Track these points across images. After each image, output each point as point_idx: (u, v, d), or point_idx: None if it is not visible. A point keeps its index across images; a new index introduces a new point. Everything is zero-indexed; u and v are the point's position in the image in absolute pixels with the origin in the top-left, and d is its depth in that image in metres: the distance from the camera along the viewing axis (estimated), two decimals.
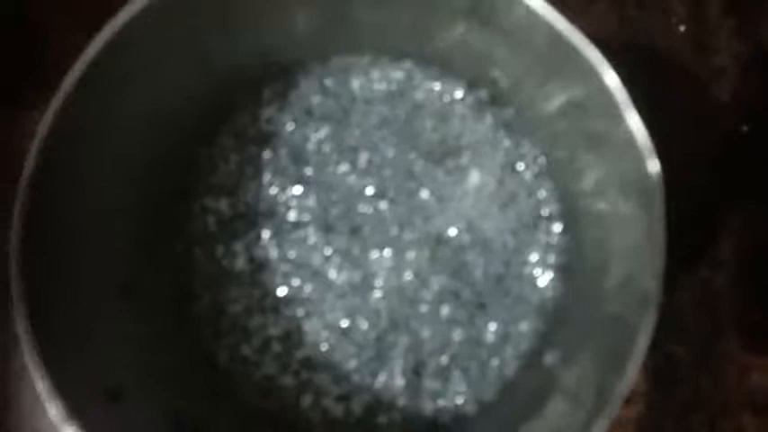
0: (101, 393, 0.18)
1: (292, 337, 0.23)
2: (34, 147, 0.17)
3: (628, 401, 0.26)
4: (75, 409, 0.16)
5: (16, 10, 0.29)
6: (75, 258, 0.19)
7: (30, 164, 0.17)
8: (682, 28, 0.29)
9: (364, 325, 0.23)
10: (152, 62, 0.19)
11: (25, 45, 0.29)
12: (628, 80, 0.28)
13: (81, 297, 0.19)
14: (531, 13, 0.17)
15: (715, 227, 0.28)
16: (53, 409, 0.16)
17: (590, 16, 0.28)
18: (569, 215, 0.23)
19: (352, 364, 0.23)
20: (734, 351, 0.27)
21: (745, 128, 0.28)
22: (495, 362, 0.23)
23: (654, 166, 0.16)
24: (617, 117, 0.16)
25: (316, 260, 0.24)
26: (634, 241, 0.17)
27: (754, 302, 0.27)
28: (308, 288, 0.24)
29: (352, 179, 0.24)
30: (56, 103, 0.17)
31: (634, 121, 0.16)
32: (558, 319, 0.23)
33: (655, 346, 0.26)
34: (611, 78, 0.16)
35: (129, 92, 0.19)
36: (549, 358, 0.21)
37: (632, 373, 0.15)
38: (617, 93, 0.16)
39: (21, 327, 0.16)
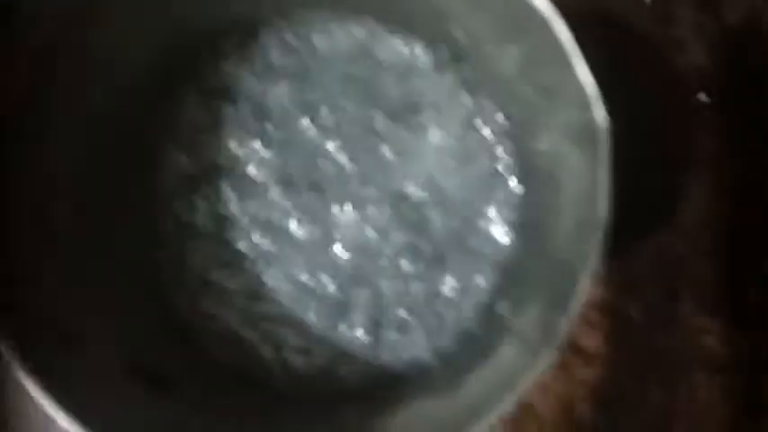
0: (57, 340, 0.18)
1: (253, 291, 0.24)
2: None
3: (587, 363, 0.27)
4: (31, 358, 0.16)
5: None
6: (38, 211, 0.19)
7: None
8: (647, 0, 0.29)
9: (325, 279, 0.24)
10: (118, 15, 0.19)
11: None
12: (586, 49, 0.28)
13: (42, 248, 0.19)
14: None
15: (674, 194, 0.28)
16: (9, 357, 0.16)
17: None
18: (526, 172, 0.24)
19: (313, 317, 0.24)
20: (689, 313, 0.28)
21: (704, 97, 0.29)
22: (452, 314, 0.23)
23: (600, 112, 0.16)
24: (567, 67, 0.17)
25: (277, 215, 0.24)
26: (583, 188, 0.18)
27: (708, 268, 0.28)
28: (268, 243, 0.24)
29: (312, 134, 0.24)
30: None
31: (582, 71, 0.17)
32: (513, 272, 0.23)
33: (613, 307, 0.28)
34: (562, 30, 0.17)
35: (92, 47, 0.19)
36: (502, 307, 0.22)
37: (574, 312, 0.16)
38: (567, 43, 0.17)
39: None
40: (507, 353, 0.19)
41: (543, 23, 0.17)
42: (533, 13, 0.17)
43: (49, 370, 0.17)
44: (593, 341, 0.27)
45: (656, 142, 0.28)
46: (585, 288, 0.16)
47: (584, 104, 0.17)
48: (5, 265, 0.17)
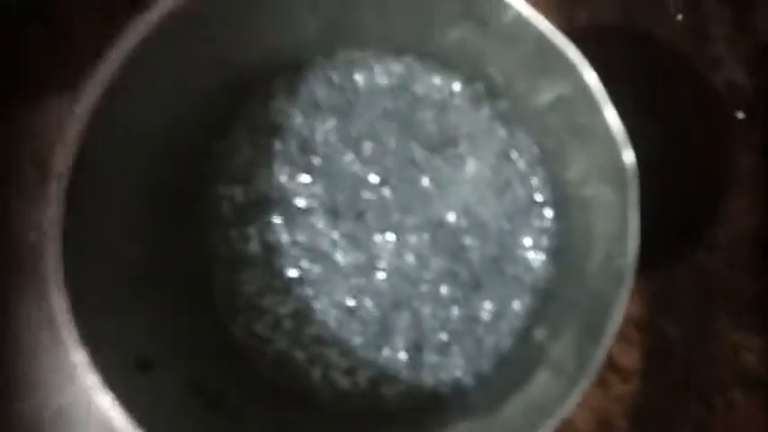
0: (131, 365, 0.20)
1: (302, 315, 0.25)
2: (70, 141, 0.19)
3: (624, 380, 0.28)
4: (109, 380, 0.18)
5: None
6: (105, 244, 0.21)
7: (67, 155, 0.19)
8: (679, 17, 0.30)
9: (369, 304, 0.25)
10: (174, 63, 0.21)
11: (48, 38, 0.31)
12: (626, 67, 0.29)
13: (112, 279, 0.21)
14: (519, 17, 0.18)
15: (711, 212, 0.29)
16: (90, 381, 0.18)
17: (590, 5, 0.29)
18: (560, 201, 0.24)
19: (358, 339, 0.25)
20: (726, 330, 0.28)
21: (740, 114, 0.29)
22: (490, 337, 0.24)
23: (628, 157, 0.17)
24: (596, 112, 0.18)
25: (323, 243, 0.25)
26: (613, 225, 0.19)
27: (746, 284, 0.28)
28: (316, 269, 0.25)
29: (356, 167, 0.26)
30: (86, 101, 0.19)
31: (611, 116, 0.17)
32: (548, 298, 0.24)
33: (650, 326, 0.28)
34: (591, 76, 0.18)
35: (152, 91, 0.21)
36: (539, 333, 0.23)
37: (608, 342, 0.17)
38: (596, 90, 0.18)
39: (59, 305, 0.18)
40: (544, 379, 0.20)
41: (572, 68, 0.18)
42: (562, 58, 0.18)
43: (124, 389, 0.19)
44: (630, 358, 0.28)
45: (693, 159, 0.29)
46: (618, 321, 0.17)
47: (613, 147, 0.18)
48: (91, 296, 0.19)
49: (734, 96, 0.29)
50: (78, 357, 0.18)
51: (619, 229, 0.18)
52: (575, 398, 0.17)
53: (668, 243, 0.28)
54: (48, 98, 0.30)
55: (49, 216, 0.19)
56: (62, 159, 0.19)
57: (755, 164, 0.29)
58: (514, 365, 0.24)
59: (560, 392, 0.18)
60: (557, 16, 0.29)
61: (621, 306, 0.17)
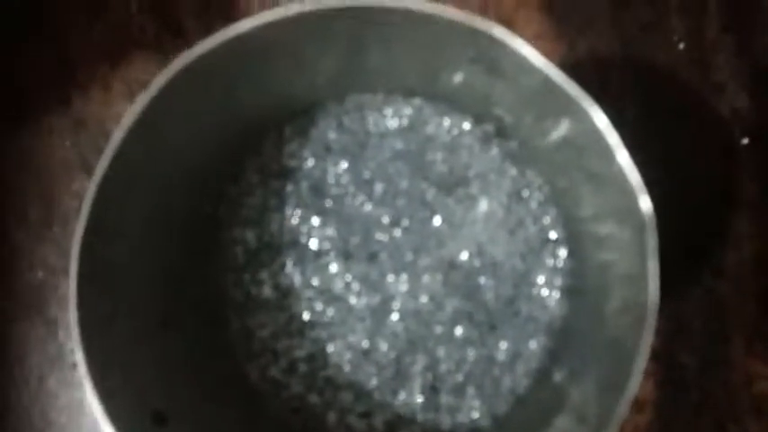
0: (147, 419, 0.19)
1: (317, 358, 0.25)
2: (90, 190, 0.19)
3: (639, 409, 0.28)
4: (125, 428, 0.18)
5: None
6: (120, 295, 0.21)
7: (86, 206, 0.19)
8: (681, 45, 0.30)
9: (384, 346, 0.25)
10: (188, 114, 0.21)
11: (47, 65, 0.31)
12: (628, 95, 0.29)
13: (125, 329, 0.21)
14: (526, 62, 0.18)
15: (718, 237, 0.29)
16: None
17: (591, 34, 0.30)
18: (574, 239, 0.24)
19: (374, 382, 0.25)
20: (740, 358, 0.28)
21: (745, 140, 0.29)
22: (507, 378, 0.24)
23: (645, 203, 0.17)
24: (608, 157, 0.18)
25: (337, 286, 0.25)
26: (630, 268, 0.19)
27: (758, 310, 0.28)
28: (330, 312, 0.25)
29: (368, 209, 0.26)
30: (106, 155, 0.19)
31: (625, 161, 0.17)
32: (566, 338, 0.24)
33: (663, 354, 0.28)
34: (601, 119, 0.18)
35: (165, 140, 0.21)
36: (558, 375, 0.23)
37: (632, 393, 0.17)
38: (607, 133, 0.18)
39: (80, 357, 0.18)
40: (563, 425, 0.20)
41: (581, 111, 0.18)
42: (570, 100, 0.18)
43: None
44: (644, 388, 0.28)
45: (698, 186, 0.29)
46: (640, 373, 0.17)
47: (628, 192, 0.17)
48: (107, 348, 0.19)
49: (738, 123, 0.29)
50: (96, 410, 0.18)
51: (637, 269, 0.18)
52: None
53: (677, 271, 0.28)
54: (45, 129, 0.30)
55: (70, 268, 0.19)
56: (82, 215, 0.19)
57: (761, 189, 0.29)
58: (533, 408, 0.23)
59: None
60: (560, 45, 0.29)
61: (643, 358, 0.16)
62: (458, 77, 0.22)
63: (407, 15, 0.18)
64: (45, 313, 0.29)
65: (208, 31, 0.19)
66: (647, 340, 0.16)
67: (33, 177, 0.30)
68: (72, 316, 0.19)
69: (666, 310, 0.28)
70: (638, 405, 0.27)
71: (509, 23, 0.29)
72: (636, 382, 0.17)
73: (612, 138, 0.18)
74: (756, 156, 0.29)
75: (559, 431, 0.20)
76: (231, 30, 0.19)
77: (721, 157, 0.29)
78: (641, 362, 0.17)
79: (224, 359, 0.25)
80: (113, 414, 0.18)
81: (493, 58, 0.19)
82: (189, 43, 0.19)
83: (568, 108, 0.19)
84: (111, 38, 0.31)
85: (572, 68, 0.31)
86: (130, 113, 0.19)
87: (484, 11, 0.30)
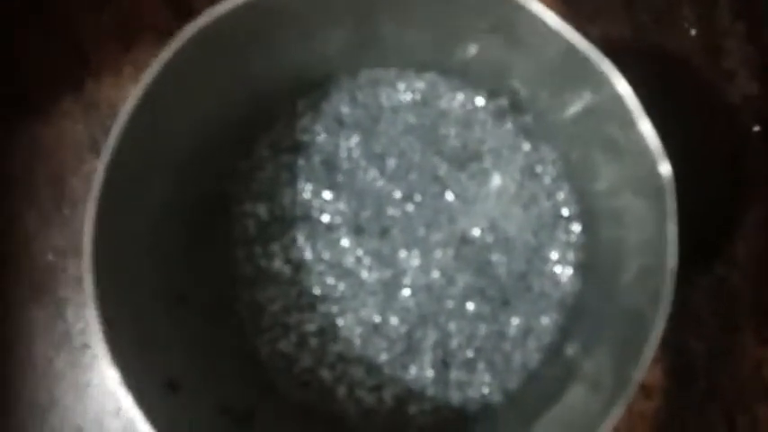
0: (161, 386, 0.19)
1: (328, 332, 0.25)
2: (101, 165, 0.19)
3: (647, 396, 0.27)
4: (141, 400, 0.18)
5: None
6: (133, 267, 0.21)
7: (97, 184, 0.19)
8: (693, 32, 0.30)
9: (395, 321, 0.25)
10: (197, 87, 0.21)
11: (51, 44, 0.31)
12: (640, 83, 0.29)
13: (139, 303, 0.21)
14: (547, 28, 0.18)
15: (729, 226, 0.29)
16: (123, 401, 0.18)
17: (602, 21, 0.29)
18: (587, 215, 0.24)
19: (384, 357, 0.25)
20: (749, 346, 0.28)
21: (756, 128, 0.29)
22: (518, 354, 0.24)
23: (665, 168, 0.17)
24: (629, 123, 0.17)
25: (348, 260, 0.25)
26: (647, 239, 0.18)
27: (766, 298, 0.28)
28: (341, 287, 0.25)
29: (380, 184, 0.25)
30: (114, 132, 0.19)
31: (646, 127, 0.17)
32: (578, 313, 0.24)
33: (672, 342, 0.28)
34: (623, 87, 0.18)
35: (178, 112, 0.21)
36: (570, 349, 0.23)
37: (647, 361, 0.17)
38: (629, 100, 0.18)
39: (98, 328, 0.18)
40: (576, 396, 0.20)
41: (604, 79, 0.18)
42: (593, 68, 0.18)
43: (156, 410, 0.18)
44: (652, 375, 0.27)
45: (709, 174, 0.29)
46: (658, 337, 0.16)
47: (648, 159, 0.17)
48: (122, 318, 0.19)
49: (749, 110, 0.29)
50: (113, 377, 0.18)
51: (653, 241, 0.18)
52: (613, 418, 0.17)
53: (687, 258, 0.28)
54: (57, 112, 0.30)
55: (84, 243, 0.19)
56: (94, 191, 0.19)
57: None
58: (544, 382, 0.23)
59: (596, 411, 0.18)
60: None
61: (661, 323, 0.16)
62: (473, 49, 0.22)
63: None
64: (54, 295, 0.29)
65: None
66: (665, 303, 0.16)
67: (44, 160, 0.30)
68: (87, 289, 0.19)
69: (676, 298, 0.28)
70: (646, 392, 0.27)
71: None
72: (652, 348, 0.16)
73: (634, 104, 0.18)
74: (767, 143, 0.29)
75: (572, 402, 0.20)
76: None
77: (732, 145, 0.29)
78: (657, 331, 0.17)
79: (234, 333, 0.25)
80: (128, 382, 0.18)
81: (511, 26, 0.19)
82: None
83: (589, 76, 0.19)
84: (122, 21, 0.30)
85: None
86: (136, 90, 0.19)
87: None
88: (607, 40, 0.30)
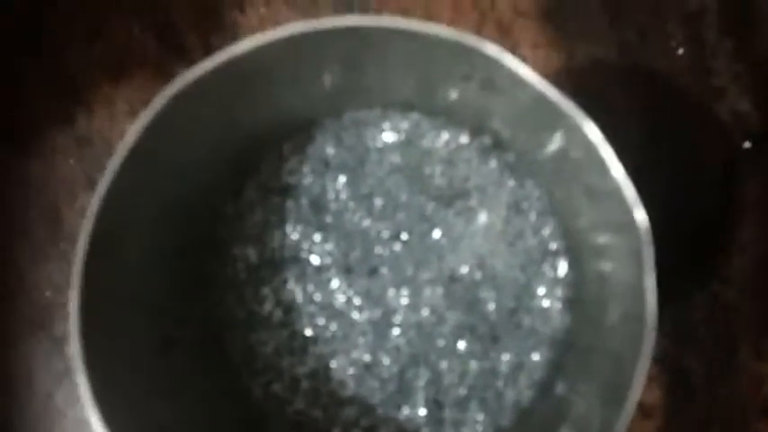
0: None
1: (320, 373, 0.25)
2: (89, 217, 0.19)
3: (646, 416, 0.27)
4: None
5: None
6: (122, 315, 0.21)
7: (85, 232, 0.19)
8: (680, 51, 0.30)
9: (386, 360, 0.25)
10: (189, 133, 0.21)
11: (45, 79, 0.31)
12: (629, 100, 0.29)
13: (127, 348, 0.21)
14: (519, 79, 0.18)
15: (723, 243, 0.29)
16: None
17: (588, 41, 0.30)
18: (573, 250, 0.24)
19: (377, 397, 0.25)
20: (748, 363, 0.28)
21: (747, 144, 0.29)
22: (510, 391, 0.24)
23: (640, 216, 0.17)
24: (603, 171, 0.18)
25: (338, 301, 0.25)
26: (629, 280, 0.19)
27: (765, 315, 0.28)
28: (332, 327, 0.25)
29: (368, 224, 0.26)
30: (107, 174, 0.19)
31: (619, 175, 0.17)
32: (568, 349, 0.24)
33: (670, 359, 0.28)
34: (594, 134, 0.18)
35: (165, 160, 0.21)
36: (561, 387, 0.23)
37: (631, 408, 0.17)
38: (601, 148, 0.18)
39: (81, 381, 0.18)
40: None
41: (574, 126, 0.18)
42: (563, 115, 0.18)
43: None
44: (651, 394, 0.27)
45: (700, 191, 0.29)
46: (640, 387, 0.17)
47: (624, 207, 0.18)
48: (111, 371, 0.19)
49: (739, 126, 0.29)
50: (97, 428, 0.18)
51: (635, 281, 0.18)
52: None
53: (682, 276, 0.28)
54: (49, 147, 0.30)
55: (70, 294, 0.19)
56: (82, 236, 0.19)
57: (764, 192, 0.29)
58: (536, 421, 0.23)
59: None
60: (558, 54, 0.29)
61: (642, 372, 0.16)
62: (453, 93, 0.22)
63: (401, 34, 0.18)
64: (52, 331, 0.30)
65: (208, 49, 0.19)
66: (646, 354, 0.16)
67: (38, 195, 0.30)
68: (73, 337, 0.19)
69: (673, 316, 0.28)
70: (645, 411, 0.27)
71: (507, 33, 0.30)
72: (635, 395, 0.17)
73: (606, 152, 0.18)
74: (759, 159, 0.29)
75: None
76: (229, 51, 0.19)
77: (723, 162, 0.29)
78: (641, 375, 0.17)
79: (227, 376, 0.25)
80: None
81: (486, 74, 0.19)
82: (190, 62, 0.20)
83: (562, 122, 0.19)
84: (113, 56, 0.31)
85: (571, 76, 0.31)
86: (131, 133, 0.20)
87: (482, 22, 0.30)
88: (594, 60, 0.30)
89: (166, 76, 0.30)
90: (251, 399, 0.25)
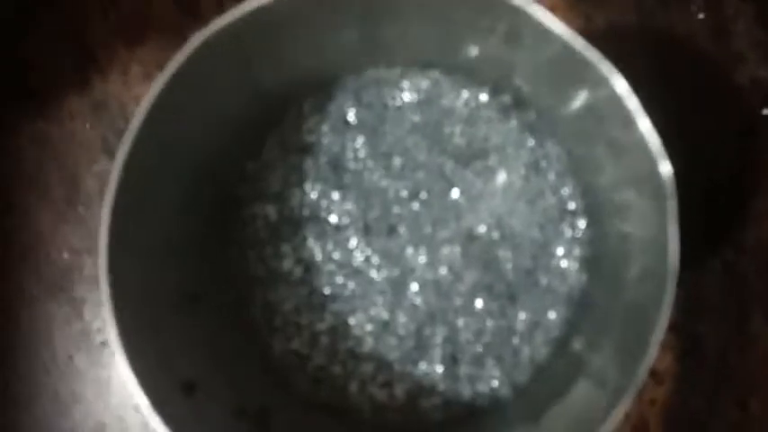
0: (177, 388, 0.20)
1: (339, 330, 0.26)
2: (115, 170, 0.19)
3: (658, 382, 0.28)
4: (157, 402, 0.19)
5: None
6: (146, 268, 0.21)
7: (112, 185, 0.19)
8: (701, 15, 0.29)
9: (404, 318, 0.25)
10: (208, 91, 0.21)
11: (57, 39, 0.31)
12: (647, 67, 0.28)
13: (154, 304, 0.21)
14: (546, 30, 0.18)
15: (738, 211, 0.28)
16: (139, 403, 0.19)
17: (608, 7, 0.29)
18: (592, 209, 0.24)
19: (395, 353, 0.25)
20: (760, 331, 0.28)
21: (765, 111, 0.29)
22: (526, 348, 0.25)
23: (665, 168, 0.17)
24: (629, 123, 0.18)
25: (357, 260, 0.26)
26: (650, 237, 0.19)
27: None
28: (351, 285, 0.26)
29: (387, 183, 0.26)
30: (128, 136, 0.19)
31: (645, 127, 0.17)
32: (585, 308, 0.24)
33: (683, 327, 0.28)
34: (622, 86, 0.18)
35: (189, 115, 0.22)
36: (577, 344, 0.23)
37: (652, 357, 0.17)
38: (627, 100, 0.18)
39: (112, 332, 0.19)
40: (583, 390, 0.20)
41: (602, 79, 0.18)
42: (591, 68, 0.18)
43: (173, 412, 0.19)
44: (663, 361, 0.28)
45: (718, 158, 0.29)
46: (661, 335, 0.17)
47: (648, 159, 0.17)
48: (137, 320, 0.20)
49: (758, 93, 0.29)
50: (129, 380, 0.19)
51: (656, 241, 0.18)
52: (618, 413, 0.17)
53: (696, 245, 0.28)
54: (65, 111, 0.30)
55: (99, 246, 0.19)
56: (107, 195, 0.19)
57: None
58: (552, 376, 0.24)
59: (602, 406, 0.18)
60: (576, 18, 0.29)
61: (664, 320, 0.16)
62: (475, 49, 0.22)
63: None
64: (71, 293, 0.30)
65: (223, 12, 0.19)
66: (666, 307, 0.16)
67: (55, 160, 0.31)
68: (104, 291, 0.19)
69: (686, 284, 0.28)
70: (657, 377, 0.28)
71: None
72: (654, 348, 0.17)
73: (633, 104, 0.18)
74: None
75: (580, 397, 0.20)
76: (246, 4, 0.19)
77: (741, 129, 0.29)
78: (661, 329, 0.17)
79: (247, 333, 0.25)
80: (145, 384, 0.19)
81: (510, 27, 0.19)
82: (206, 26, 0.20)
83: (588, 75, 0.19)
84: (128, 20, 0.31)
85: (588, 40, 0.31)
86: (150, 94, 0.20)
87: None
88: (612, 25, 0.30)
89: (182, 40, 0.30)
90: (271, 355, 0.25)
